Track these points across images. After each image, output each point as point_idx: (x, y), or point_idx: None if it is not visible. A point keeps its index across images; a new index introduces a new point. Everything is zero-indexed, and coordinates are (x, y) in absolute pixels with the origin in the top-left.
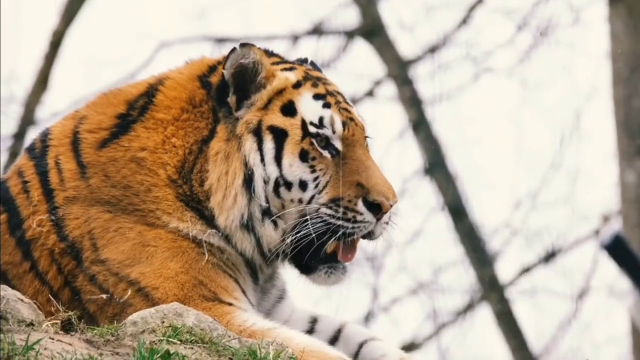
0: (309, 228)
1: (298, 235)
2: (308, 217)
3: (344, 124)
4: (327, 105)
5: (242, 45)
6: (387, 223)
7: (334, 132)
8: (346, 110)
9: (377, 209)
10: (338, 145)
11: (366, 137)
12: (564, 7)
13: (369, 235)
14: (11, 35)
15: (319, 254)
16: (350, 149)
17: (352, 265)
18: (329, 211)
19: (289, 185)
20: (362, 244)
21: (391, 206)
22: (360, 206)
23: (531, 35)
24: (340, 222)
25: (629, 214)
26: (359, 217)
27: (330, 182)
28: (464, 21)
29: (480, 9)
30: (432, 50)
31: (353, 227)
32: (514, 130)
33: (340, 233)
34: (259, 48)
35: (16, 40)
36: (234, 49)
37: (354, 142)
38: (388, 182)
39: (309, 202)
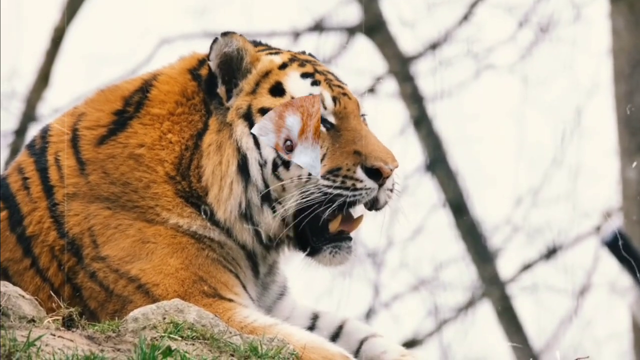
0: (308, 201)
1: (300, 204)
2: (307, 191)
3: (334, 99)
4: (315, 83)
5: (224, 34)
6: (390, 190)
7: (325, 107)
8: (338, 86)
9: (378, 175)
10: (331, 119)
11: (362, 115)
12: (565, 4)
13: (374, 205)
14: (12, 31)
15: (323, 232)
16: (345, 121)
17: (356, 246)
18: (326, 182)
19: (287, 164)
20: (368, 223)
21: (391, 170)
22: (360, 173)
23: (532, 32)
24: (338, 191)
25: (630, 211)
26: (358, 185)
27: (328, 155)
28: (465, 17)
29: (481, 6)
30: (433, 46)
31: (354, 195)
32: (515, 127)
33: (340, 201)
34: (241, 35)
35: (17, 37)
36: (216, 39)
37: (348, 115)
38: (386, 148)
39: (308, 177)
